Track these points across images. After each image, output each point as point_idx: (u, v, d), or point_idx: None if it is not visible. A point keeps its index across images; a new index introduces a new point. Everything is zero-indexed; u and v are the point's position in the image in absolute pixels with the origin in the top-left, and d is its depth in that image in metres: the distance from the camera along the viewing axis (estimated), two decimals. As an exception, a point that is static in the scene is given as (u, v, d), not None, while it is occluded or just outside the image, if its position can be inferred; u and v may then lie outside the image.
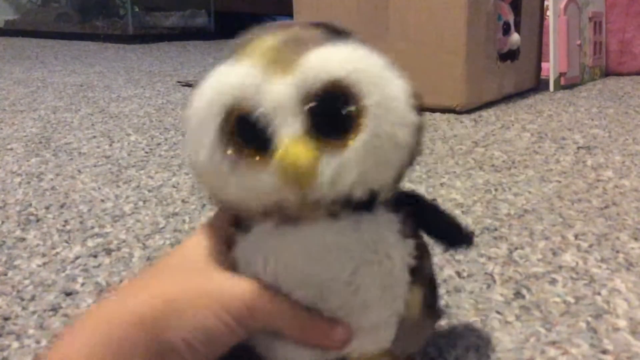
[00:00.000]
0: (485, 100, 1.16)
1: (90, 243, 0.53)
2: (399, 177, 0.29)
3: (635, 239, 0.53)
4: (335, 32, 0.29)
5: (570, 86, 1.39)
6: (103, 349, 0.27)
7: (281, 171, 0.26)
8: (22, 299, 0.44)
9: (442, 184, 0.69)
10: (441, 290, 0.44)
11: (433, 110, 1.11)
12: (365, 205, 0.28)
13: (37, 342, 0.38)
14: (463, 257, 0.50)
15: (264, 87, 0.27)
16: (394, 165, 0.28)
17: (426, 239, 0.32)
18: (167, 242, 0.53)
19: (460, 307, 0.42)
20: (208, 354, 0.28)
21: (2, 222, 0.59)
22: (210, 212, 0.60)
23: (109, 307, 0.29)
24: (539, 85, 1.39)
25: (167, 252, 0.35)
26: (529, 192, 0.66)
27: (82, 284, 0.46)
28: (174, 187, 0.69)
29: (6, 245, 0.53)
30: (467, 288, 0.45)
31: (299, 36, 0.28)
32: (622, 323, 0.39)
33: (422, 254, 0.31)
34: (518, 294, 0.43)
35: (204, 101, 0.28)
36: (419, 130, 0.29)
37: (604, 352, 0.36)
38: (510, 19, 1.22)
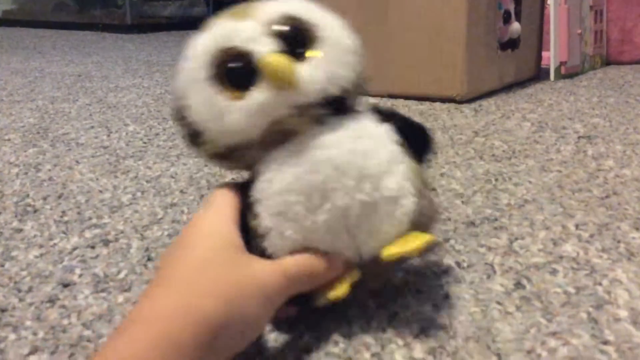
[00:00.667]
0: (486, 89, 1.16)
1: (87, 234, 0.53)
2: (360, 84, 0.37)
3: (637, 229, 0.52)
4: None
5: (570, 75, 1.38)
6: (167, 349, 0.27)
7: (269, 75, 0.33)
8: (19, 291, 0.43)
9: (442, 174, 0.69)
10: (441, 281, 0.44)
11: (433, 99, 1.10)
12: (343, 109, 0.36)
13: (34, 333, 0.38)
14: (463, 248, 0.49)
15: (237, 30, 0.34)
16: (353, 68, 0.36)
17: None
18: (166, 232, 0.53)
19: (460, 298, 0.41)
20: (253, 337, 0.32)
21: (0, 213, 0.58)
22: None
23: (165, 303, 0.29)
24: (540, 75, 1.38)
25: (186, 234, 0.34)
26: (530, 182, 0.65)
27: (80, 275, 0.46)
28: (172, 177, 0.68)
29: (3, 236, 0.53)
30: (467, 278, 0.44)
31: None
32: (623, 313, 0.39)
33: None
34: (518, 285, 0.43)
35: (193, 56, 0.35)
36: (361, 55, 0.38)
37: (605, 342, 0.36)
38: (511, 7, 1.21)
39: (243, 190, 0.36)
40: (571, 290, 0.42)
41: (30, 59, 1.85)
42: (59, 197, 0.63)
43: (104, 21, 3.00)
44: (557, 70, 1.35)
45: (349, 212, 0.34)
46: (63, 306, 0.41)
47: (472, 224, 0.54)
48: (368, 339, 0.37)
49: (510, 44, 1.23)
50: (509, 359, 0.35)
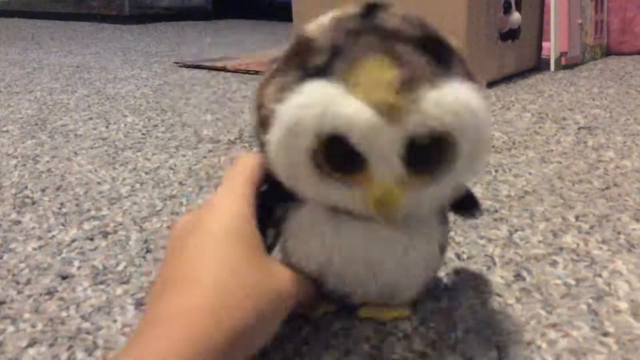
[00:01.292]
0: (486, 79, 1.15)
1: (86, 226, 0.53)
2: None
3: (637, 220, 0.52)
4: (441, 56, 0.30)
5: (571, 66, 1.38)
6: (204, 350, 0.26)
7: (373, 204, 0.30)
8: (18, 283, 0.43)
9: (441, 165, 0.68)
10: (441, 273, 0.44)
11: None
12: None
13: (33, 326, 0.38)
14: (463, 239, 0.49)
15: (372, 132, 0.27)
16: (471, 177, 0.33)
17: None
18: (164, 224, 0.53)
19: (460, 290, 0.41)
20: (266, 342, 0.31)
21: (-2, 205, 0.58)
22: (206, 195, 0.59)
23: (200, 303, 0.28)
24: (540, 65, 1.37)
25: (205, 223, 0.32)
26: (530, 173, 0.65)
27: (79, 268, 0.45)
28: (171, 169, 0.68)
29: (1, 228, 0.53)
30: (467, 270, 0.44)
31: (408, 70, 0.28)
32: (623, 305, 0.39)
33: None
34: (518, 276, 0.43)
35: (305, 119, 0.28)
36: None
37: (605, 334, 0.36)
38: (511, -3, 1.20)
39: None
40: (571, 281, 0.42)
41: (29, 50, 1.84)
42: (58, 188, 0.62)
43: (102, 12, 2.99)
44: (558, 60, 1.34)
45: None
46: (62, 298, 0.41)
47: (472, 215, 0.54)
48: (367, 331, 0.37)
49: (511, 35, 1.23)
50: (509, 351, 0.34)
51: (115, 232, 0.52)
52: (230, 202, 0.33)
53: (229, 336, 0.28)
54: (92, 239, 0.50)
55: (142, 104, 1.03)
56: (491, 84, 1.16)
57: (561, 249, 0.47)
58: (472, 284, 0.42)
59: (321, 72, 0.29)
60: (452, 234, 0.50)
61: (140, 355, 0.26)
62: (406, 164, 0.29)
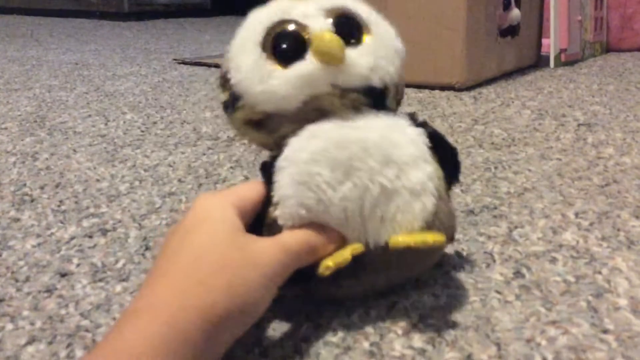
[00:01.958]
0: (485, 77, 1.15)
1: (85, 223, 0.53)
2: (399, 86, 0.39)
3: (636, 217, 0.52)
4: None
5: (570, 62, 1.38)
6: (173, 338, 0.27)
7: (318, 51, 0.34)
8: (17, 280, 0.43)
9: (441, 162, 0.68)
10: (440, 270, 0.44)
11: (432, 87, 1.10)
12: (380, 104, 0.37)
13: (32, 323, 0.38)
14: (462, 237, 0.49)
15: (295, 7, 0.36)
16: (394, 63, 0.38)
17: None
18: (164, 222, 0.53)
19: (459, 287, 0.41)
20: (255, 321, 0.32)
21: (-3, 203, 0.58)
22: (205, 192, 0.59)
23: (168, 292, 0.29)
24: (540, 62, 1.37)
25: (184, 220, 0.34)
26: (529, 170, 0.65)
27: (78, 265, 0.45)
28: (170, 166, 0.68)
29: (0, 225, 0.53)
30: (466, 268, 0.44)
31: None
32: (622, 302, 0.39)
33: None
34: (518, 273, 0.43)
35: (249, 24, 0.37)
36: (404, 59, 0.40)
37: (605, 331, 0.36)
38: (511, -6, 1.20)
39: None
40: (571, 279, 0.42)
41: (27, 47, 1.83)
42: (57, 186, 0.62)
43: (101, 9, 2.98)
44: (557, 57, 1.34)
45: (368, 194, 0.34)
46: (61, 296, 0.41)
47: (472, 212, 0.54)
48: (367, 328, 0.36)
49: (510, 31, 1.23)
50: (509, 348, 0.34)
51: (114, 229, 0.52)
52: (208, 198, 0.35)
53: (201, 321, 0.28)
54: (91, 237, 0.50)
55: (141, 101, 1.03)
56: (491, 81, 1.16)
57: (561, 246, 0.47)
58: (472, 281, 0.42)
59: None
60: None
61: (112, 351, 0.26)
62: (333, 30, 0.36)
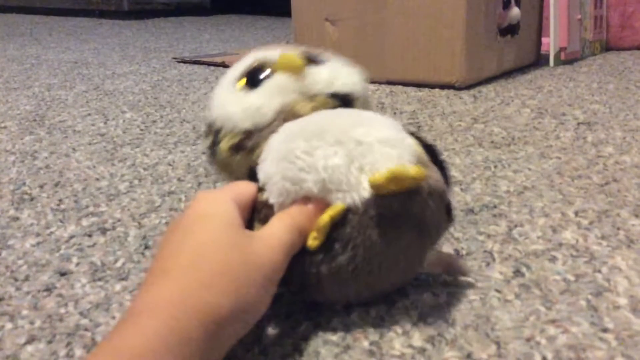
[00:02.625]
0: (485, 75, 1.15)
1: (85, 222, 0.53)
2: (363, 95, 0.43)
3: (636, 216, 0.52)
4: None
5: (570, 61, 1.37)
6: (174, 339, 0.27)
7: (280, 64, 0.40)
8: (16, 279, 0.43)
9: (441, 161, 0.68)
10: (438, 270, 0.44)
11: (431, 86, 1.10)
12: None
13: (31, 322, 0.38)
14: (462, 235, 0.49)
15: (266, 56, 0.43)
16: (353, 78, 0.43)
17: None
18: (163, 220, 0.53)
19: (458, 286, 0.41)
20: (256, 320, 0.32)
21: (-4, 202, 0.58)
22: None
23: (169, 293, 0.29)
24: (539, 61, 1.37)
25: (184, 217, 0.33)
26: (529, 169, 0.65)
27: (77, 264, 0.45)
28: (169, 165, 0.68)
29: (0, 224, 0.53)
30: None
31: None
32: (622, 301, 0.39)
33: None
34: (517, 272, 0.43)
35: (227, 73, 0.44)
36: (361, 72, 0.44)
37: (605, 330, 0.36)
38: (511, -8, 1.20)
39: None
40: (570, 277, 0.42)
41: (27, 45, 1.83)
42: (56, 185, 0.62)
43: (100, 7, 2.98)
44: (557, 56, 1.34)
45: (343, 149, 0.34)
46: (60, 295, 0.41)
47: (471, 211, 0.54)
48: (367, 327, 0.36)
49: (510, 30, 1.22)
50: (508, 347, 0.34)
51: (113, 228, 0.51)
52: (208, 195, 0.35)
53: (203, 322, 0.28)
54: (90, 236, 0.50)
55: (141, 99, 1.03)
56: (490, 80, 1.16)
57: (560, 244, 0.47)
58: (471, 279, 0.42)
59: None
60: (450, 229, 0.50)
61: (112, 352, 0.26)
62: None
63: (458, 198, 0.57)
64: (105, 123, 0.87)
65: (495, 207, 0.55)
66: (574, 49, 1.39)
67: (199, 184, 0.62)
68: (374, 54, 1.13)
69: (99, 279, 0.43)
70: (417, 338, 0.35)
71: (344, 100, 0.42)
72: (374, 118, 0.38)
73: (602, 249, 0.46)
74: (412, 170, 0.33)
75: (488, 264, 0.44)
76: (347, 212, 0.34)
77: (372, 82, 1.13)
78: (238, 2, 3.34)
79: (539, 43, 1.38)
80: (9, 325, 0.37)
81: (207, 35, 2.19)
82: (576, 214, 0.53)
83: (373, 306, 0.39)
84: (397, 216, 0.34)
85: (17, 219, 0.54)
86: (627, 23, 1.59)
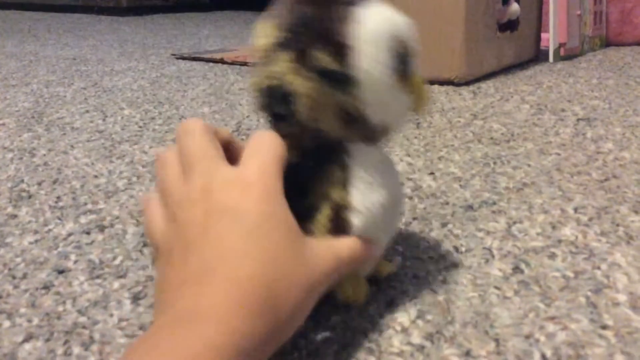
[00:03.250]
0: (484, 71, 1.15)
1: (83, 220, 0.53)
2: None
3: (636, 212, 0.52)
4: None
5: (570, 57, 1.37)
6: (241, 342, 0.25)
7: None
8: (14, 277, 0.43)
9: (440, 158, 0.68)
10: (439, 266, 0.43)
11: (431, 82, 1.09)
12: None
13: (29, 320, 0.37)
14: (461, 232, 0.49)
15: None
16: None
17: None
18: (161, 218, 0.53)
19: (458, 283, 0.41)
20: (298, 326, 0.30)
21: (-6, 199, 0.58)
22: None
23: (222, 301, 0.26)
24: (539, 56, 1.37)
25: (230, 202, 0.29)
26: (528, 165, 0.65)
27: (75, 262, 0.45)
28: (168, 162, 0.68)
29: (-2, 222, 0.53)
30: (465, 263, 0.44)
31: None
32: (622, 297, 0.39)
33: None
34: (517, 269, 0.43)
35: None
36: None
37: (604, 327, 0.36)
38: (510, -12, 1.20)
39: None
40: (570, 274, 0.42)
41: (25, 42, 1.83)
42: (54, 182, 0.62)
43: (99, 4, 2.97)
44: (557, 51, 1.34)
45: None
46: (58, 293, 0.41)
47: (471, 207, 0.54)
48: (365, 324, 0.36)
49: (510, 26, 1.22)
50: (507, 344, 0.34)
51: (111, 225, 0.51)
52: (266, 181, 0.30)
53: (269, 332, 0.26)
54: (88, 233, 0.50)
55: (139, 96, 1.02)
56: (490, 75, 1.16)
57: (560, 241, 0.47)
58: (470, 276, 0.42)
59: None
60: (450, 226, 0.50)
61: (174, 356, 0.24)
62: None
63: (457, 194, 0.57)
64: (103, 120, 0.87)
65: (494, 203, 0.55)
66: (574, 44, 1.39)
67: (198, 181, 0.62)
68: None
69: (97, 277, 0.43)
70: (416, 335, 0.35)
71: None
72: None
73: (602, 245, 0.46)
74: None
75: (487, 261, 0.44)
76: None
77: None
78: (237, -2, 3.33)
79: (538, 39, 1.38)
80: (6, 323, 0.37)
81: (206, 31, 2.18)
82: (575, 210, 0.53)
83: (371, 304, 0.38)
84: None
85: (15, 216, 0.54)
86: (626, 19, 1.59)
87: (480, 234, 0.49)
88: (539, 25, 1.38)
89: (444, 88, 1.06)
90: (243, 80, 1.17)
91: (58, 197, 0.58)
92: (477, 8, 1.09)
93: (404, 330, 0.36)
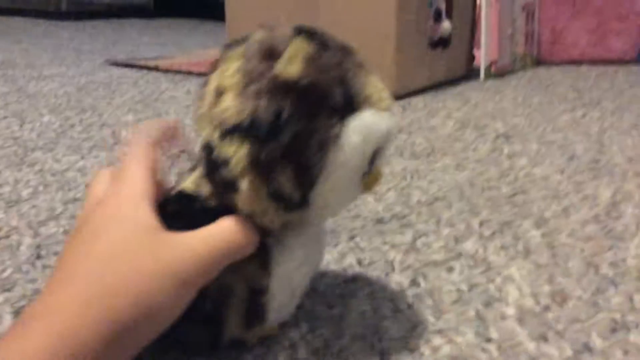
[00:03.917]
0: (415, 87, 1.17)
1: (-23, 230, 0.50)
2: None
3: (537, 227, 0.53)
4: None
5: (501, 74, 1.41)
6: (68, 345, 0.26)
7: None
8: None
9: (358, 171, 0.69)
10: (338, 280, 0.43)
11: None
12: None
13: None
14: (367, 245, 0.49)
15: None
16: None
17: None
18: (62, 229, 0.51)
19: (355, 297, 0.41)
20: (167, 325, 0.30)
21: None
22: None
23: (66, 299, 0.28)
24: (471, 73, 1.40)
25: (94, 219, 0.31)
26: (443, 180, 0.66)
27: (-40, 274, 0.43)
28: (79, 171, 0.65)
29: None
30: (365, 276, 0.44)
31: None
32: (510, 311, 0.40)
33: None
34: (413, 282, 0.43)
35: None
36: None
37: (488, 340, 0.36)
38: (442, 6, 1.22)
39: None
40: (464, 287, 0.43)
41: (-48, 44, 1.75)
42: (-46, 190, 0.59)
43: (37, 7, 2.88)
44: (488, 69, 1.37)
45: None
46: None
47: (381, 221, 0.54)
48: (256, 342, 0.36)
49: (441, 43, 1.25)
50: (392, 358, 0.34)
51: (7, 236, 0.49)
52: (121, 194, 0.32)
53: (102, 331, 0.27)
54: (-20, 244, 0.48)
55: (62, 102, 0.99)
56: (421, 91, 1.17)
57: (460, 254, 0.48)
58: (368, 290, 0.42)
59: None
60: (357, 239, 0.50)
61: (4, 355, 0.25)
62: None
63: (370, 207, 0.57)
64: (20, 126, 0.84)
65: (404, 217, 0.56)
66: (505, 62, 1.43)
67: (108, 191, 0.60)
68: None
69: (-19, 291, 0.41)
70: (303, 351, 0.35)
71: None
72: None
73: (500, 259, 0.47)
74: None
75: (387, 274, 0.45)
76: None
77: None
78: (183, 5, 3.29)
79: (470, 56, 1.41)
80: None
81: (147, 38, 2.15)
82: (480, 224, 0.54)
83: (263, 318, 0.38)
84: None
85: None
86: (557, 39, 1.65)
87: (386, 247, 0.49)
88: (471, 42, 1.41)
89: (374, 102, 1.07)
90: (175, 88, 1.15)
91: (-45, 206, 0.55)
92: (408, 25, 1.11)
93: (292, 345, 0.36)
